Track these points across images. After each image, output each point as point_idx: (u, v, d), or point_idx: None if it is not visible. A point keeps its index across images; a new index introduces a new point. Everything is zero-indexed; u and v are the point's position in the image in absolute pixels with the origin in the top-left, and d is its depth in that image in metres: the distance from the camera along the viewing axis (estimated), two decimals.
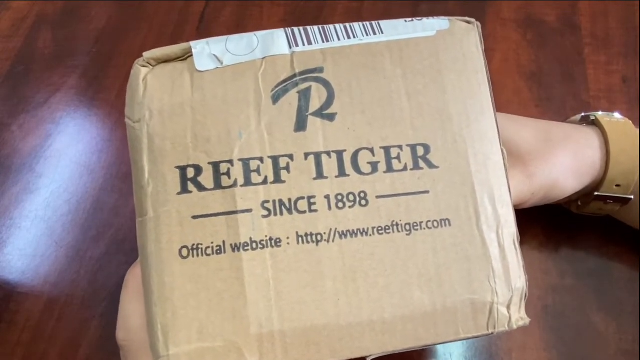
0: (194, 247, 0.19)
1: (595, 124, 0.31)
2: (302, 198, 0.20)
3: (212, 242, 0.19)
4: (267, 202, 0.20)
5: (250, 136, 0.20)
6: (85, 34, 0.49)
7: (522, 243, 0.35)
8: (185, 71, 0.21)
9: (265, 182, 0.20)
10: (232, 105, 0.20)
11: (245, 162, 0.20)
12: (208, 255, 0.19)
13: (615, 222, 0.33)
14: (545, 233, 0.35)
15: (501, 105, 0.35)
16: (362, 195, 0.20)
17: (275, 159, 0.20)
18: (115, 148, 0.43)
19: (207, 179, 0.20)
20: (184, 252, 0.19)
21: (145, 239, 0.20)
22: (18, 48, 0.49)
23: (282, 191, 0.20)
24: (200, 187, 0.20)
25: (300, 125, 0.21)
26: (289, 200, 0.20)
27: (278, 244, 0.20)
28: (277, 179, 0.20)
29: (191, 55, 0.21)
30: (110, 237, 0.39)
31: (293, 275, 0.19)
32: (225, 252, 0.19)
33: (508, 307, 0.22)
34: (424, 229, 0.21)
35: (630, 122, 0.31)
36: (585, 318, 0.32)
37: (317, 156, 0.20)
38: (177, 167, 0.20)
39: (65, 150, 0.43)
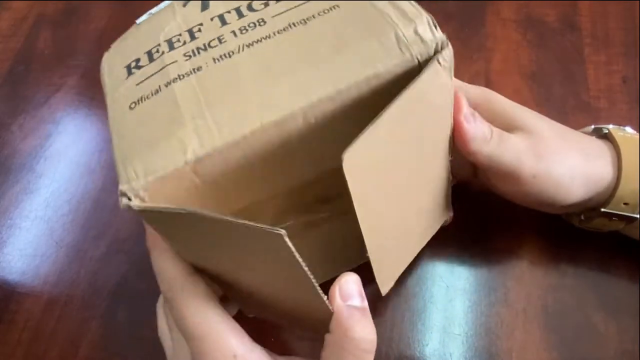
0: (139, 99, 0.24)
1: (607, 138, 0.30)
2: (213, 39, 0.24)
3: (151, 90, 0.24)
4: (187, 52, 0.24)
5: (171, 27, 0.26)
6: (85, 34, 0.49)
7: (522, 243, 0.35)
8: (130, 30, 0.28)
9: (184, 43, 0.25)
10: (156, 22, 0.27)
11: (169, 40, 0.25)
12: (149, 98, 0.23)
13: None
14: (545, 232, 0.35)
15: None
16: (260, 20, 0.25)
17: (189, 30, 0.25)
18: None
19: (144, 61, 0.25)
20: (132, 105, 0.24)
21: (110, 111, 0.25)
22: (18, 48, 0.49)
23: (197, 42, 0.25)
24: (139, 67, 0.25)
25: (205, 6, 0.26)
26: (204, 44, 0.25)
27: (199, 70, 0.24)
28: (193, 38, 0.25)
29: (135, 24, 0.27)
30: (110, 237, 0.39)
31: (215, 82, 0.23)
32: (161, 90, 0.23)
33: (415, 32, 0.22)
34: (318, 16, 0.24)
35: None
36: (585, 318, 0.32)
37: (220, 16, 0.25)
38: (125, 67, 0.25)
39: (65, 150, 0.43)
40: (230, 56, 0.24)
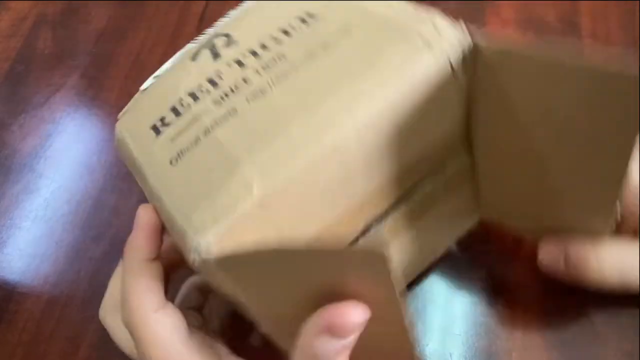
0: (179, 154, 0.23)
1: None
2: (238, 81, 0.24)
3: (189, 142, 0.23)
4: (216, 99, 0.24)
5: (187, 81, 0.25)
6: (85, 34, 0.49)
7: (522, 243, 0.35)
8: (137, 96, 0.28)
9: (208, 92, 0.24)
10: (168, 81, 0.27)
11: (191, 92, 0.25)
12: (190, 150, 0.23)
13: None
14: None
15: None
16: (280, 55, 0.24)
17: (209, 79, 0.25)
18: (115, 148, 0.42)
19: (170, 118, 0.24)
20: (173, 161, 0.23)
21: (142, 175, 0.24)
22: (18, 48, 0.49)
23: (222, 87, 0.24)
24: (168, 125, 0.24)
25: (216, 56, 0.26)
26: (230, 87, 0.24)
27: (235, 112, 0.23)
28: (216, 85, 0.24)
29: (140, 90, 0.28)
30: (110, 237, 0.39)
31: (257, 120, 0.22)
32: (201, 139, 0.22)
33: (436, 28, 0.23)
34: (335, 39, 0.24)
35: None
36: (585, 318, 0.32)
37: (236, 59, 0.25)
38: (150, 128, 0.24)
39: (65, 150, 0.43)
40: (263, 93, 0.23)
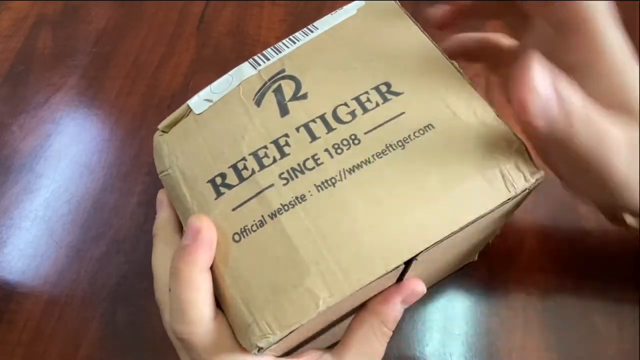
0: (242, 230, 0.23)
1: None
2: (308, 159, 0.24)
3: (254, 220, 0.23)
4: (283, 173, 0.24)
5: (251, 135, 0.25)
6: (85, 34, 0.49)
7: (522, 243, 0.35)
8: (190, 120, 0.27)
9: (275, 160, 0.24)
10: (229, 122, 0.26)
11: (255, 154, 0.25)
12: (254, 231, 0.23)
13: None
14: (545, 233, 0.35)
15: (502, 106, 0.35)
16: (353, 137, 0.24)
17: (275, 142, 0.25)
18: (115, 148, 0.43)
19: (231, 179, 0.24)
20: (236, 237, 0.23)
21: None
22: (18, 48, 0.49)
23: (290, 161, 0.24)
24: (229, 187, 0.24)
25: (284, 111, 0.25)
26: (298, 164, 0.24)
27: (304, 199, 0.23)
28: (283, 154, 0.24)
29: (192, 110, 0.27)
30: (110, 237, 0.39)
31: (326, 216, 0.23)
32: (266, 222, 0.23)
33: (517, 167, 0.23)
34: (415, 138, 0.24)
35: None
36: (585, 318, 0.32)
37: (306, 126, 0.25)
38: (208, 182, 0.25)
39: (65, 150, 0.43)
40: (333, 184, 0.23)
